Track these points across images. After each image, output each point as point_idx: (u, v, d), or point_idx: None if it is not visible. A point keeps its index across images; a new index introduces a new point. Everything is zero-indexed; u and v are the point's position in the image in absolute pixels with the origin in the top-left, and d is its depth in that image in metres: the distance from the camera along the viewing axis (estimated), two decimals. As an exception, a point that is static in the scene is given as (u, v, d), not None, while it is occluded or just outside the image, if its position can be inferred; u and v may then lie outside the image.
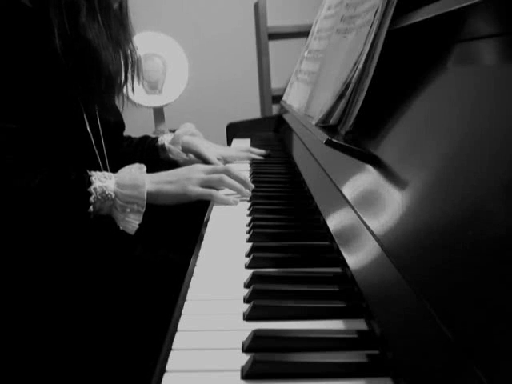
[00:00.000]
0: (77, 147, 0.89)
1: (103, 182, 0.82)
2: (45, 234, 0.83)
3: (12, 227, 0.81)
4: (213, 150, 1.24)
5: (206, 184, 0.93)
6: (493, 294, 0.32)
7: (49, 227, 0.83)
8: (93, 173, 0.84)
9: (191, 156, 1.22)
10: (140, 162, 0.90)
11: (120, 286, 0.84)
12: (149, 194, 0.85)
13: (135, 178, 0.85)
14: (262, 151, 1.34)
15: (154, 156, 1.21)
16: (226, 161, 1.26)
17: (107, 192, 0.82)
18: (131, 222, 0.83)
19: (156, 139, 1.22)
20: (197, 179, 0.92)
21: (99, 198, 0.81)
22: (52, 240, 0.84)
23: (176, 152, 1.20)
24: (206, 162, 1.18)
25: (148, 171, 0.90)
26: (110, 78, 0.90)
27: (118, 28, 0.91)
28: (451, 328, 0.34)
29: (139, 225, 0.84)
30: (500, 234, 0.34)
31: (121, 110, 1.03)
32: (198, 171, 0.94)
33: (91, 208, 0.81)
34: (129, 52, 0.94)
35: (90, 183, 0.81)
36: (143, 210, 0.84)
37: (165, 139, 1.22)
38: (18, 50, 0.80)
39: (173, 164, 1.18)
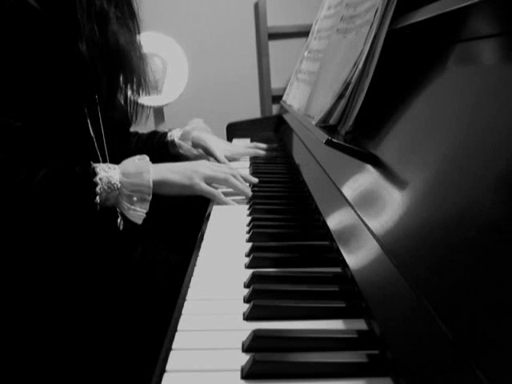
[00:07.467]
0: (79, 149, 0.89)
1: (108, 172, 0.82)
2: (51, 229, 0.83)
3: (18, 224, 0.80)
4: (222, 146, 1.26)
5: (211, 181, 0.93)
6: (493, 293, 0.32)
7: (56, 222, 0.82)
8: (97, 164, 0.84)
9: (200, 151, 1.24)
10: (150, 157, 0.91)
11: (120, 287, 0.84)
12: (154, 181, 0.85)
13: (139, 166, 0.85)
14: (266, 145, 1.39)
15: (164, 151, 1.22)
16: (233, 158, 1.29)
17: (113, 182, 0.81)
18: (138, 211, 0.83)
19: (165, 135, 1.24)
20: (203, 173, 0.92)
21: (105, 187, 0.81)
22: (58, 235, 0.83)
23: (186, 148, 1.22)
24: (214, 158, 1.22)
25: None
26: (138, 81, 0.93)
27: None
28: (451, 327, 0.34)
29: (140, 225, 0.84)
30: (499, 233, 0.34)
31: (131, 111, 1.04)
32: (204, 166, 0.94)
33: (97, 199, 0.81)
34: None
35: (94, 174, 0.81)
36: (149, 198, 0.84)
37: (174, 135, 1.23)
38: (28, 54, 0.80)
39: (181, 160, 1.19)
